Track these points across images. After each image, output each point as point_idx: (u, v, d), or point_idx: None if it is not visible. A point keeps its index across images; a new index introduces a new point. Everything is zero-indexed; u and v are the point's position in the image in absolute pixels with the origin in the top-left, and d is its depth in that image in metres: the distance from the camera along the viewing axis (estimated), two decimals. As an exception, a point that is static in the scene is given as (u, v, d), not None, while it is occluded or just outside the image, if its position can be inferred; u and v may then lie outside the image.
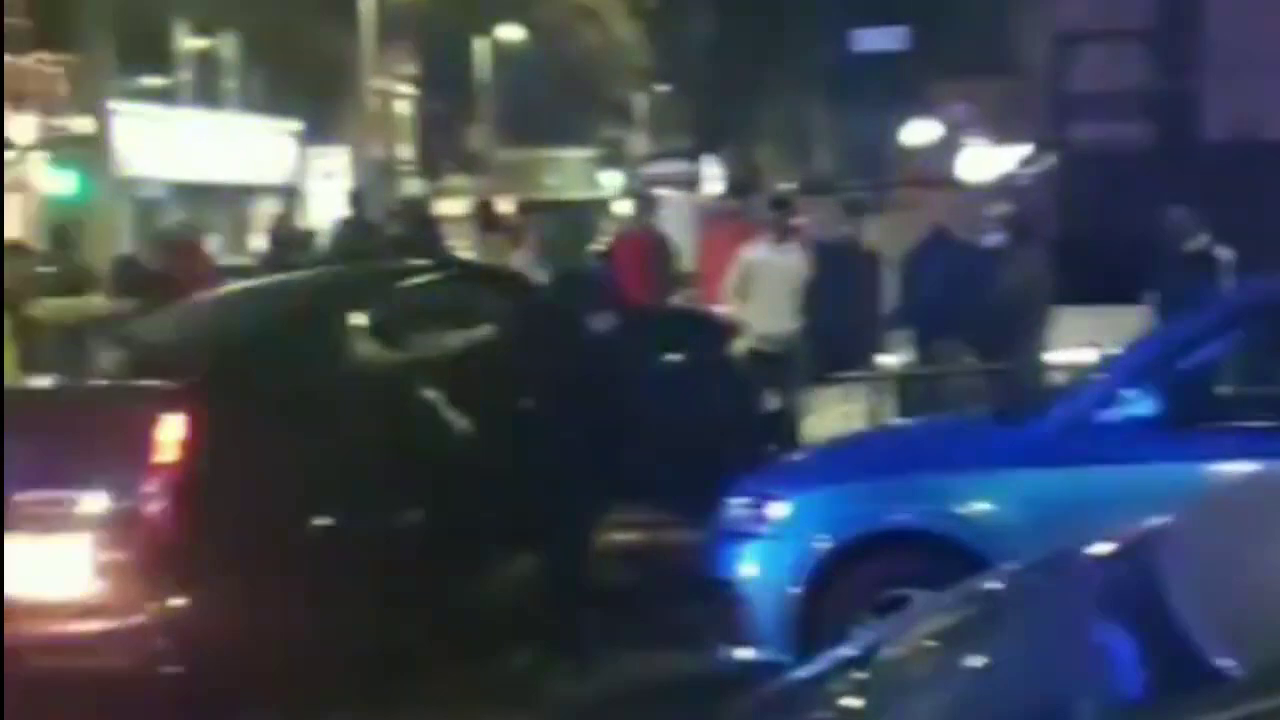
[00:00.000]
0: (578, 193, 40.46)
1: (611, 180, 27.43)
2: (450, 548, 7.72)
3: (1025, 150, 29.90)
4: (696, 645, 7.00)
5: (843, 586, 6.55)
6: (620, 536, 9.31)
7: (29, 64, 29.42)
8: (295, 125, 37.32)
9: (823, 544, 6.58)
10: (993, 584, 4.26)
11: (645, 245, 13.82)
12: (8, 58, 28.21)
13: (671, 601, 8.00)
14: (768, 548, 6.70)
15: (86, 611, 6.93)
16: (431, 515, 7.63)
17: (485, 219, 14.37)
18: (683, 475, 8.27)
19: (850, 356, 11.47)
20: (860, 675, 3.78)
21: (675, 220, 18.11)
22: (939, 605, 4.35)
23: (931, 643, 3.89)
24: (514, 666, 7.59)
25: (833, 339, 11.16)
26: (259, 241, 21.94)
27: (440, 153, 31.79)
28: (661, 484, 8.59)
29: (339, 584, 7.02)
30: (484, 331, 8.34)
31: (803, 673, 4.02)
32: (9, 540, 7.14)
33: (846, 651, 4.08)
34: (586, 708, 7.27)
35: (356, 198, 16.63)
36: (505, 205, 20.69)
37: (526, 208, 22.57)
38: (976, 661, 3.62)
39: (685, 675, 7.27)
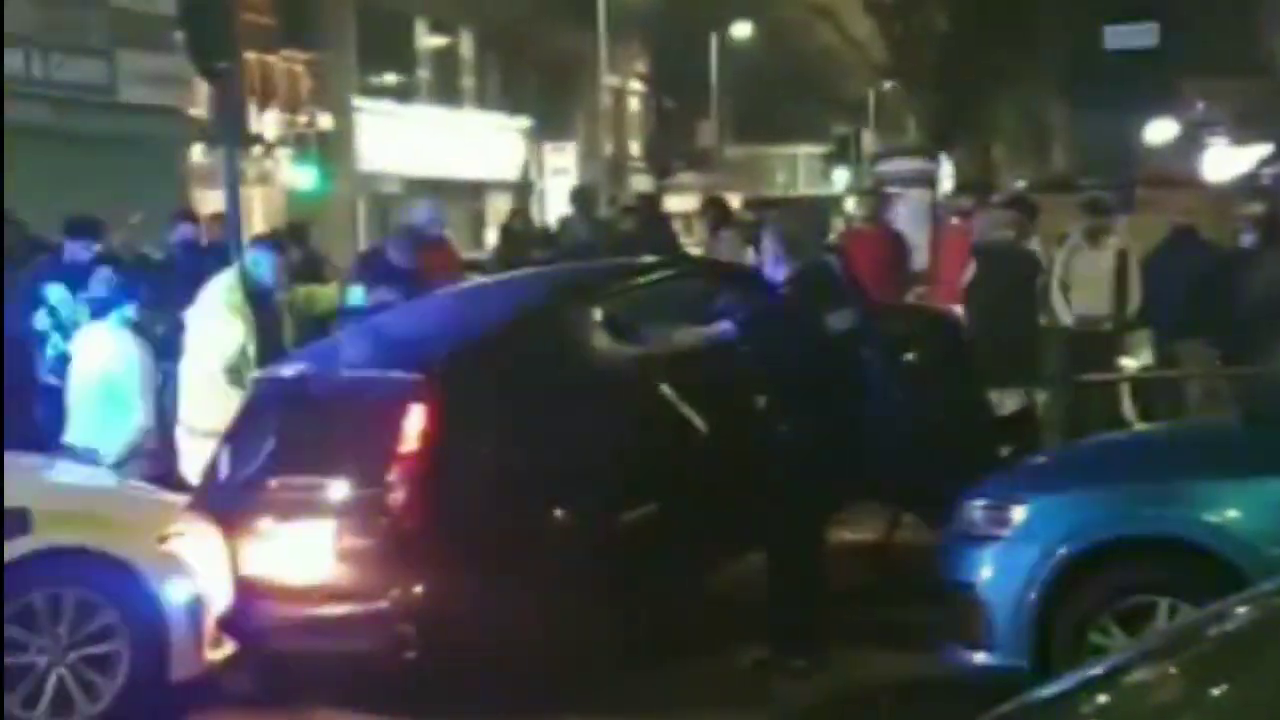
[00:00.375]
0: (805, 190, 40.32)
1: (842, 177, 27.29)
2: (681, 543, 7.74)
3: (1265, 150, 29.00)
4: (930, 647, 6.91)
5: (1083, 592, 6.41)
6: (854, 535, 9.24)
7: (275, 61, 30.28)
8: (528, 122, 37.82)
9: (1064, 548, 6.44)
10: (1249, 606, 4.05)
11: (877, 242, 13.69)
12: (256, 55, 29.06)
13: (905, 602, 7.91)
14: (1007, 550, 6.58)
15: (331, 595, 7.12)
16: (664, 510, 7.66)
17: (716, 215, 14.39)
18: (919, 475, 8.18)
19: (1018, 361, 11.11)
20: (1104, 699, 3.65)
21: (908, 217, 17.93)
22: (1190, 624, 4.18)
23: (1181, 668, 3.73)
24: (742, 665, 7.58)
25: (998, 342, 10.82)
26: (493, 237, 22.25)
27: (669, 149, 31.92)
28: (897, 483, 8.51)
29: (572, 576, 7.08)
30: (719, 328, 8.33)
31: (1045, 691, 3.89)
32: (261, 523, 7.37)
33: (1092, 671, 3.95)
34: (815, 708, 7.23)
35: (579, 195, 16.77)
36: (734, 202, 20.70)
37: (754, 204, 22.50)
38: (1229, 695, 3.47)
39: (917, 677, 7.19)
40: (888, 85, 39.23)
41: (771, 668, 7.53)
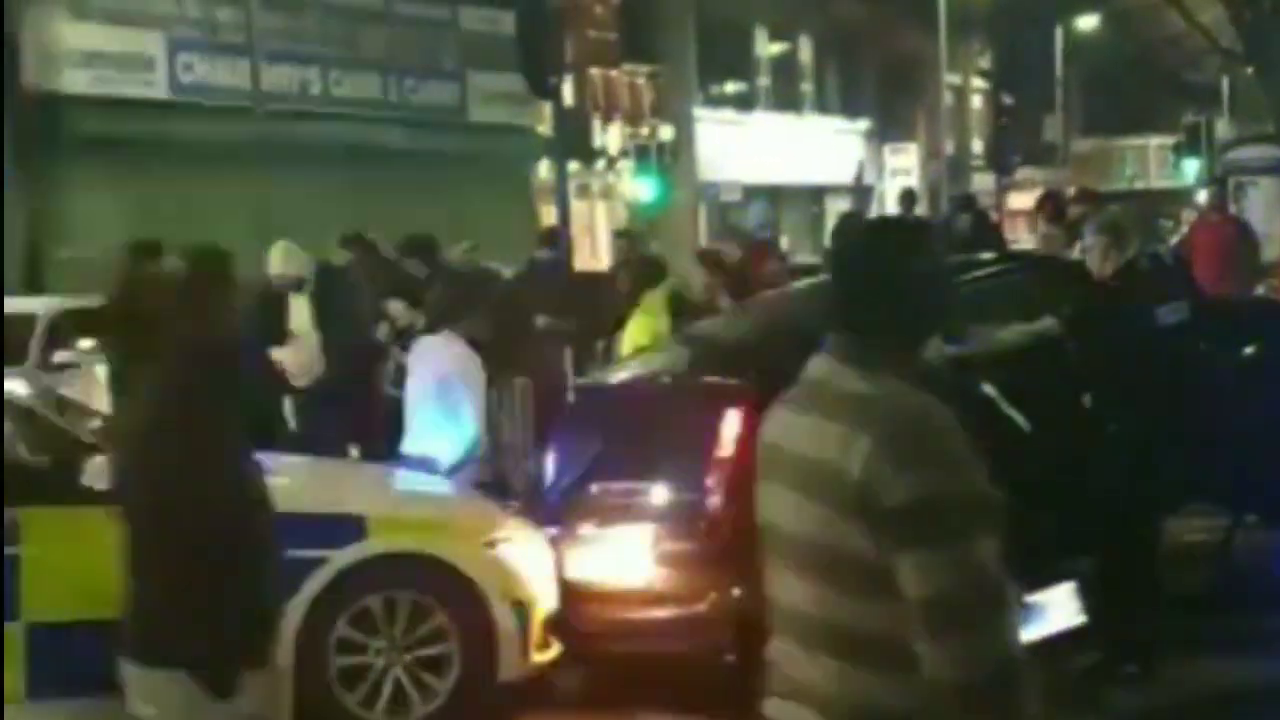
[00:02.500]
0: (1155, 181, 39.05)
1: (1192, 168, 26.38)
2: (1006, 546, 7.57)
3: None
4: (1273, 653, 6.60)
5: None
6: (1191, 537, 8.90)
7: (617, 76, 30.86)
8: (867, 124, 37.62)
9: None
10: None
11: (1224, 234, 13.22)
12: (599, 70, 29.68)
13: (1246, 606, 7.58)
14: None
15: (652, 599, 7.21)
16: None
17: (1051, 210, 14.02)
18: (1261, 474, 7.83)
19: None
20: None
21: (1260, 207, 17.23)
22: None
23: None
24: (1070, 670, 7.37)
25: None
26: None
27: (1012, 146, 31.35)
28: (1237, 483, 8.16)
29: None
30: (1044, 325, 8.13)
31: None
32: (584, 528, 7.51)
33: None
34: (1149, 716, 6.99)
35: (906, 197, 16.59)
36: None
37: (1082, 197, 21.89)
38: None
39: (1259, 685, 6.88)
40: (1244, 72, 37.75)
41: (1101, 674, 7.30)
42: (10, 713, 6.65)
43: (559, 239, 13.23)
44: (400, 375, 9.97)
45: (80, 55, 19.75)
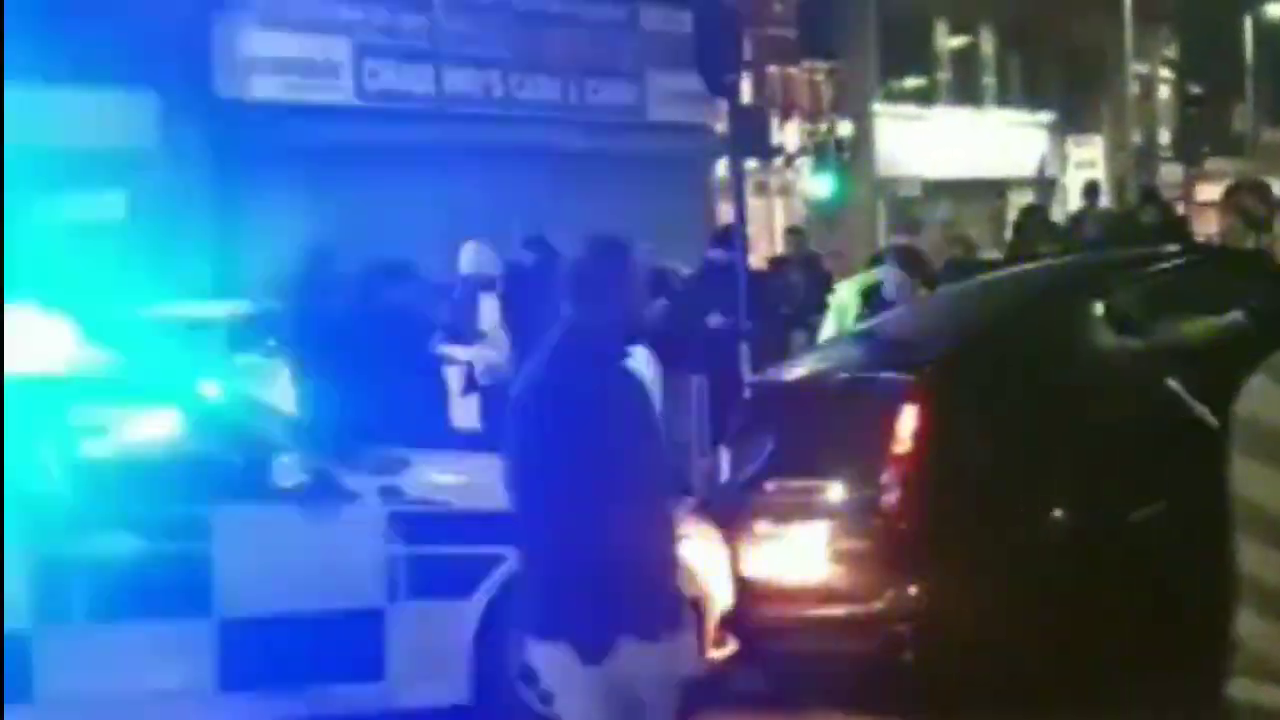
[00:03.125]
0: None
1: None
2: (1192, 542, 7.42)
3: None
4: None
5: None
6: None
7: (796, 73, 30.79)
8: (1049, 117, 37.05)
9: None
10: None
11: None
12: (778, 68, 29.64)
13: None
14: None
15: (828, 597, 7.20)
16: (1173, 509, 7.36)
17: (1237, 203, 13.71)
18: None
19: None
20: None
21: None
22: None
23: None
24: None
25: None
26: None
27: (1200, 136, 30.63)
28: None
29: (1071, 581, 6.90)
30: (1231, 319, 7.97)
31: None
32: (760, 525, 7.53)
33: None
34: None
35: (1090, 189, 16.31)
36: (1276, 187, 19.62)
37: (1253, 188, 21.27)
38: None
39: None
40: None
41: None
42: (200, 706, 6.86)
43: (732, 237, 13.24)
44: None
45: (270, 63, 20.24)
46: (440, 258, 12.27)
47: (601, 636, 4.54)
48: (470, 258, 11.31)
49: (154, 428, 7.45)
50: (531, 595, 4.71)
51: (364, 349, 8.81)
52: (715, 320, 11.87)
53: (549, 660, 4.65)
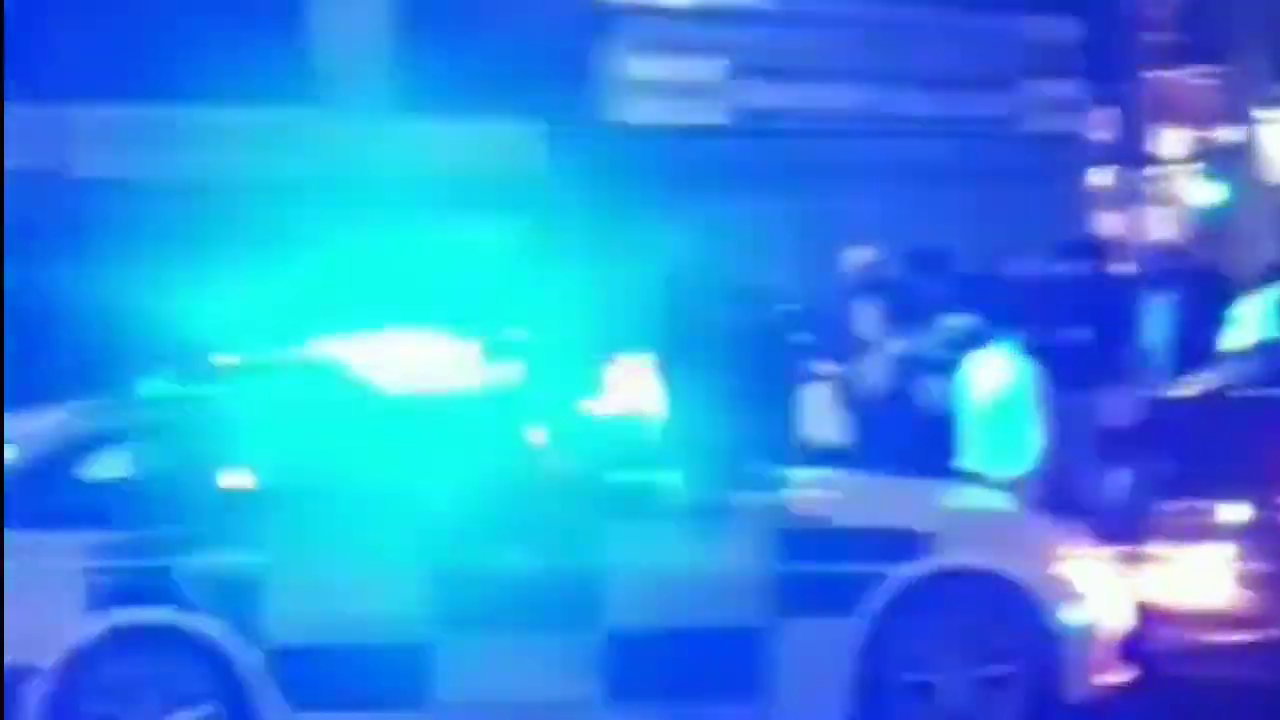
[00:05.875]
0: None
1: None
2: None
3: None
4: None
5: None
6: None
7: (1180, 78, 29.75)
8: None
9: None
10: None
11: None
12: (1160, 73, 28.70)
13: None
14: None
15: (1231, 622, 6.91)
16: None
17: None
18: None
19: None
20: None
21: None
22: None
23: None
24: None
25: None
26: None
27: None
28: None
29: None
30: None
31: None
32: (1154, 547, 7.27)
33: None
34: None
35: None
36: None
37: None
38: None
39: None
40: None
41: None
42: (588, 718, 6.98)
43: (1101, 247, 12.87)
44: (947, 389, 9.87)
45: (646, 86, 20.60)
46: (816, 275, 12.27)
47: None
48: (852, 271, 11.34)
49: (549, 444, 7.59)
50: None
51: (747, 366, 8.87)
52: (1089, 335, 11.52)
53: None
